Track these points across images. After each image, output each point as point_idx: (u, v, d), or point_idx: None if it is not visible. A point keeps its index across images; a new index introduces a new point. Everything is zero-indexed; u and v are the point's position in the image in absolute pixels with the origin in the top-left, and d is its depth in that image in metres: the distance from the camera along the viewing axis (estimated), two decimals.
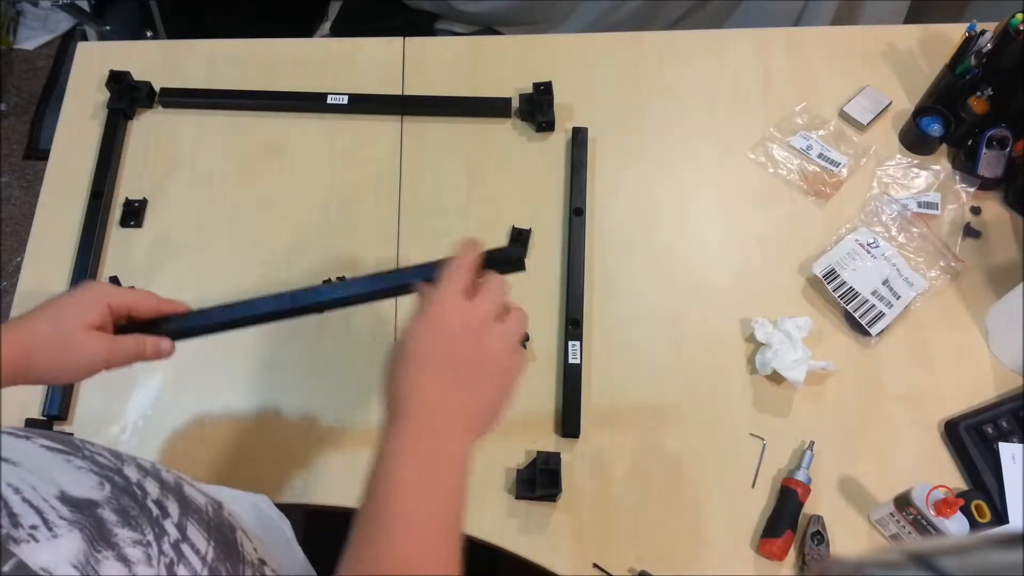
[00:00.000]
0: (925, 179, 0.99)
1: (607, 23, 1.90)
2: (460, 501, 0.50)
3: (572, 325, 0.90)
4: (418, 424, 0.50)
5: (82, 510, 0.41)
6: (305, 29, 2.11)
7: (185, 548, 0.46)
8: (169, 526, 0.47)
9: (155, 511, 0.47)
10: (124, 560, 0.40)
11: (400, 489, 0.48)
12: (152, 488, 0.49)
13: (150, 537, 0.44)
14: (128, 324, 0.64)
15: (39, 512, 0.38)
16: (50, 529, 0.38)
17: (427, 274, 0.57)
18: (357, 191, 0.99)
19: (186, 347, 0.89)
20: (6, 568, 0.34)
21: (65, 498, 0.40)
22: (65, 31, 2.25)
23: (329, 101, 1.03)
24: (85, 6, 1.95)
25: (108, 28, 1.96)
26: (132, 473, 0.49)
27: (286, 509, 0.84)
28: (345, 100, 1.03)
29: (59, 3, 1.83)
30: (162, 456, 0.85)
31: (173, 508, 0.49)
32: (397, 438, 0.50)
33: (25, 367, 0.58)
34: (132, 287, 0.84)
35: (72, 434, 0.83)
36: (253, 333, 0.90)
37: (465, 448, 0.51)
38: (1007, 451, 0.81)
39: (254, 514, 0.71)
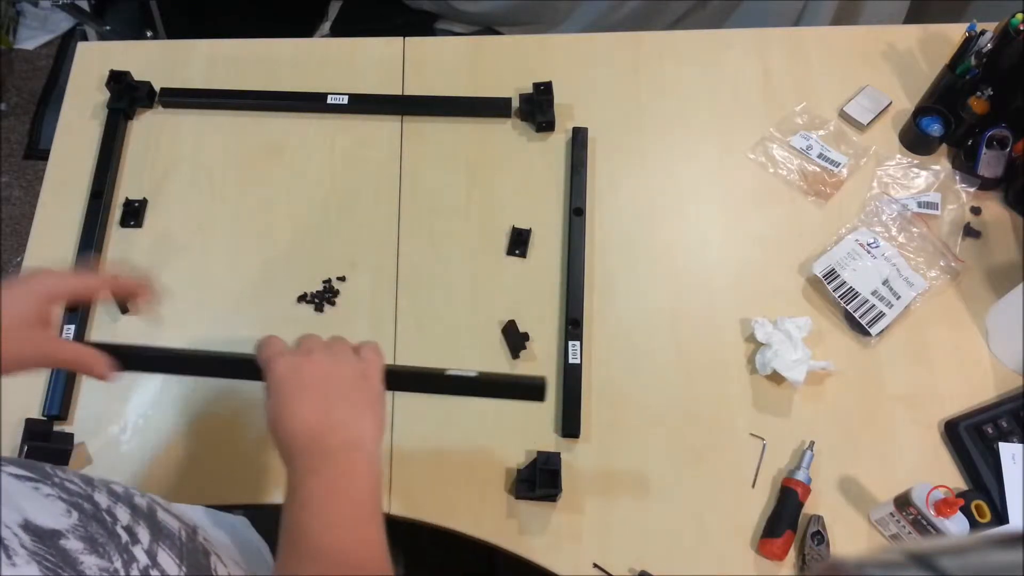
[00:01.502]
0: (925, 179, 0.99)
1: (607, 23, 1.90)
2: (371, 503, 0.56)
3: (572, 325, 0.90)
4: (310, 448, 0.56)
5: (44, 541, 0.40)
6: (305, 29, 2.11)
7: (155, 574, 0.47)
8: (139, 552, 0.47)
9: (124, 537, 0.47)
10: None
11: (310, 504, 0.54)
12: (122, 514, 0.49)
13: (118, 564, 0.44)
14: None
15: (1, 540, 0.38)
16: (9, 558, 0.37)
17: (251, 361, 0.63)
18: (357, 191, 0.99)
19: (186, 347, 0.90)
20: None
21: (29, 527, 0.40)
22: (65, 31, 2.25)
23: (329, 101, 1.03)
24: (85, 6, 1.94)
25: (108, 28, 1.96)
26: (102, 499, 0.49)
27: None
28: (345, 100, 1.03)
29: (59, 3, 1.83)
30: (162, 456, 0.85)
31: (144, 534, 0.49)
32: (299, 464, 0.56)
33: None
34: (87, 271, 0.78)
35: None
36: (252, 334, 0.90)
37: (359, 452, 0.57)
38: (1007, 451, 0.81)
39: (234, 537, 0.71)
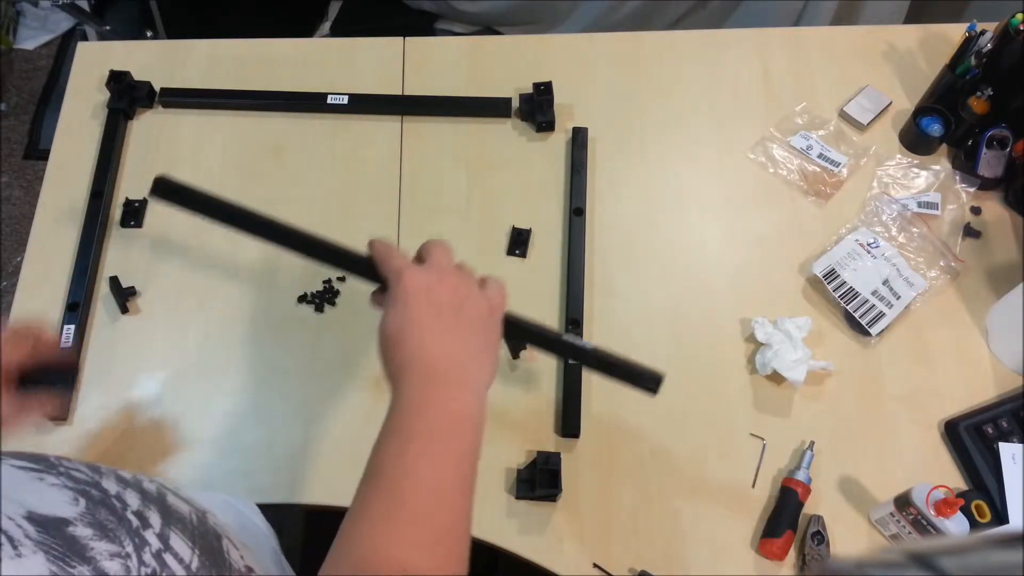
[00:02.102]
0: (925, 179, 0.99)
1: (607, 23, 1.90)
2: (471, 463, 0.53)
3: (572, 325, 0.90)
4: (428, 378, 0.53)
5: (49, 530, 0.40)
6: (305, 29, 2.11)
7: (168, 558, 0.46)
8: (150, 536, 0.46)
9: (135, 522, 0.46)
10: (102, 574, 0.40)
11: (408, 452, 0.50)
12: (132, 499, 0.48)
13: (129, 548, 0.43)
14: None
15: (3, 532, 0.37)
16: (15, 548, 0.37)
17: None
18: (357, 191, 0.99)
19: (186, 347, 0.90)
20: None
21: (33, 518, 0.40)
22: (65, 31, 2.25)
23: (329, 101, 1.03)
24: (85, 6, 1.94)
25: (108, 28, 1.96)
26: (111, 485, 0.48)
27: (286, 509, 0.84)
28: (345, 100, 1.03)
29: (59, 3, 1.83)
30: (162, 457, 0.85)
31: (155, 518, 0.48)
32: (408, 395, 0.53)
33: None
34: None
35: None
36: (252, 333, 0.90)
37: (474, 397, 0.54)
38: (1007, 451, 0.81)
39: (240, 522, 0.71)
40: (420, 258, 0.59)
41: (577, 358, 0.71)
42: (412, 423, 0.52)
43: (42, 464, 0.47)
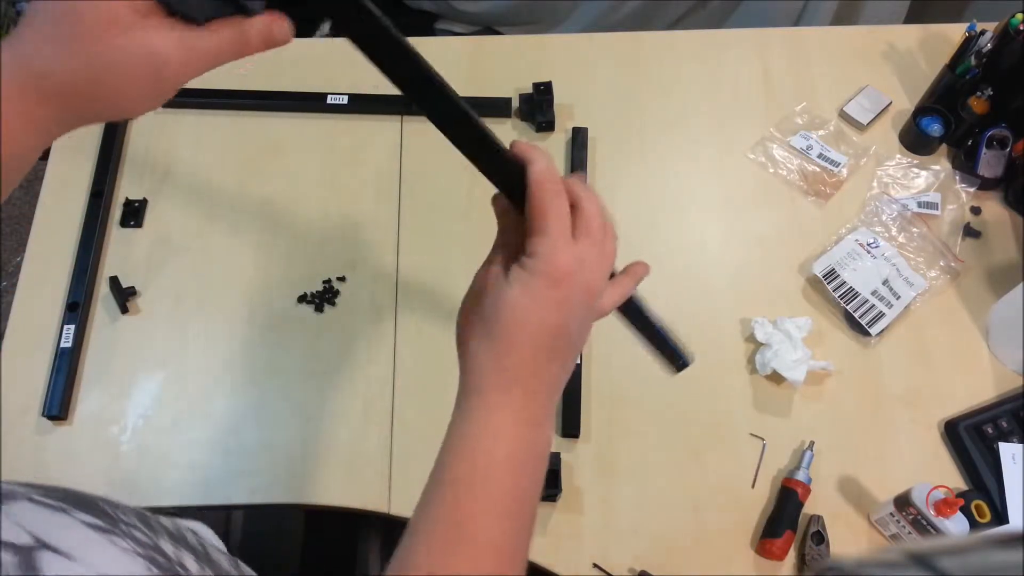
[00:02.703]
0: (925, 179, 0.99)
1: (607, 23, 1.90)
2: (541, 479, 0.47)
3: None
4: (520, 396, 0.45)
5: None
6: (305, 29, 2.11)
7: None
8: None
9: None
10: None
11: (496, 447, 0.44)
12: (190, 563, 0.47)
13: None
14: None
15: None
16: None
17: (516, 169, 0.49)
18: (357, 191, 0.99)
19: (187, 347, 0.90)
20: None
21: None
22: None
23: (329, 101, 1.03)
24: None
25: None
26: (167, 547, 0.47)
27: (286, 509, 0.84)
28: (345, 100, 1.03)
29: None
30: (161, 458, 0.85)
31: None
32: (500, 406, 0.45)
33: (38, 107, 0.39)
34: None
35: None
36: (252, 334, 0.90)
37: (550, 417, 0.48)
38: (1007, 451, 0.81)
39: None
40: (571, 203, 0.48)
41: (632, 317, 0.62)
42: (494, 423, 0.45)
43: (102, 518, 0.44)
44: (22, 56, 0.38)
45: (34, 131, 0.40)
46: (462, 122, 0.50)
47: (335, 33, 2.10)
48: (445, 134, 0.51)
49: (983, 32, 0.94)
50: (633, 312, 0.60)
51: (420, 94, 0.48)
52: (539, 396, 0.46)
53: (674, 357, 0.63)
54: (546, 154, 0.48)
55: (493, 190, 0.99)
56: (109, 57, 0.38)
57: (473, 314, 0.47)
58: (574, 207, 0.48)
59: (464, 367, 0.47)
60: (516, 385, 0.45)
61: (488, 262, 0.50)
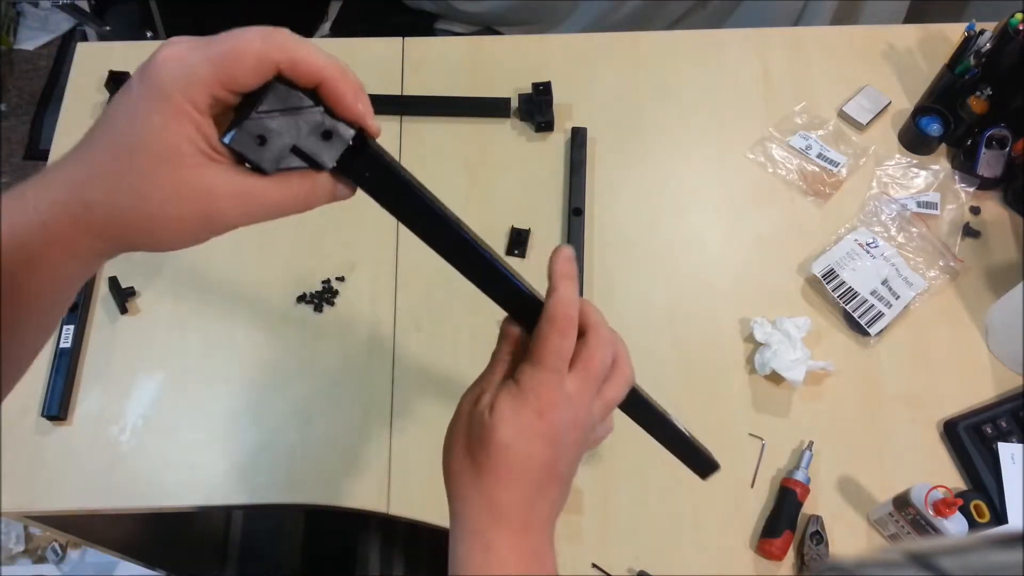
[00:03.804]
0: (924, 179, 0.99)
1: (607, 23, 1.90)
2: None
3: None
4: (516, 531, 0.44)
5: None
6: (305, 29, 2.11)
7: None
8: None
9: None
10: None
11: None
12: None
13: None
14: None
15: None
16: None
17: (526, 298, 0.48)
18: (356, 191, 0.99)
19: (186, 348, 0.90)
20: None
21: None
22: (65, 31, 2.25)
23: None
24: (85, 6, 1.95)
25: (108, 28, 1.96)
26: None
27: (286, 509, 0.84)
28: None
29: (59, 3, 1.84)
30: (161, 458, 0.85)
31: None
32: (496, 545, 0.43)
33: (89, 244, 0.37)
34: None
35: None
36: (251, 334, 0.90)
37: (551, 547, 0.46)
38: (1006, 451, 0.81)
39: None
40: (580, 328, 0.46)
41: (655, 429, 0.59)
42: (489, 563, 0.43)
43: None
44: (74, 185, 0.36)
45: (77, 261, 0.38)
46: (489, 271, 0.51)
47: (335, 33, 2.10)
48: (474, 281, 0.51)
49: (982, 32, 0.94)
50: (645, 418, 0.56)
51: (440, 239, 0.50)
52: (532, 529, 0.44)
53: (699, 462, 0.58)
54: (574, 282, 0.47)
55: (490, 191, 0.99)
56: (163, 195, 0.36)
57: (458, 446, 0.46)
58: (583, 336, 0.46)
59: (453, 503, 0.46)
60: (510, 521, 0.44)
61: (476, 390, 0.47)
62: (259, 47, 0.37)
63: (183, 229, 0.38)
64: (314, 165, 0.41)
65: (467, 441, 0.45)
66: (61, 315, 0.42)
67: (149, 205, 0.36)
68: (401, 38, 1.10)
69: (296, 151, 0.39)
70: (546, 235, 0.96)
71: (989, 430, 0.83)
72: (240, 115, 0.37)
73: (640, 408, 0.54)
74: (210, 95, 0.36)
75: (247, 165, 0.39)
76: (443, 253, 0.50)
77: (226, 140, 0.37)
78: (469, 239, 0.49)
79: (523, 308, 0.48)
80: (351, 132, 0.41)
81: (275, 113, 0.38)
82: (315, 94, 0.39)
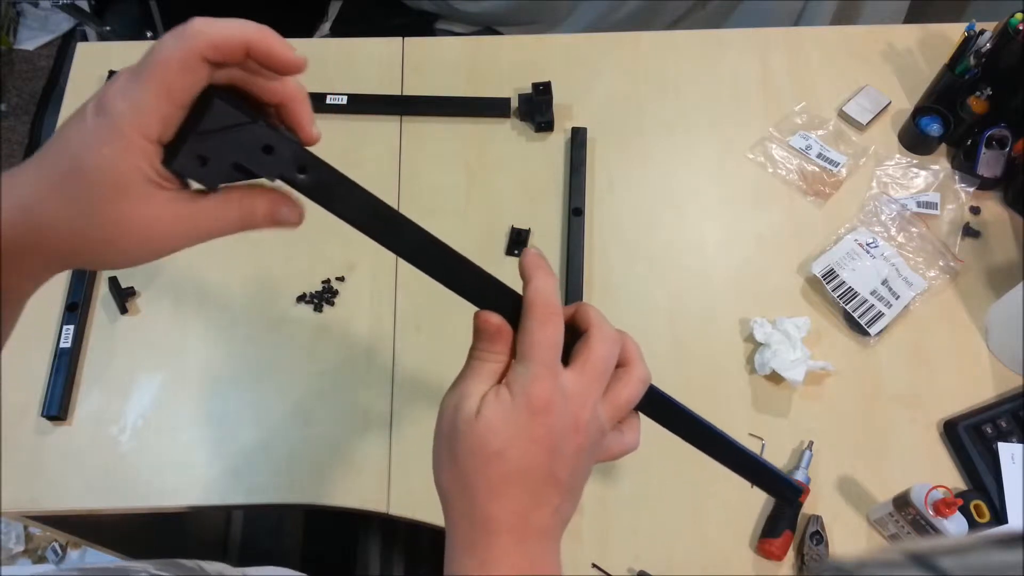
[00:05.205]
0: (924, 179, 0.99)
1: (607, 23, 1.90)
2: None
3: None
4: (513, 543, 0.41)
5: None
6: (305, 29, 2.11)
7: None
8: None
9: None
10: None
11: None
12: None
13: None
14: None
15: None
16: None
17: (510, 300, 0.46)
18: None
19: (186, 348, 0.90)
20: None
21: None
22: (65, 31, 2.25)
23: (328, 101, 1.03)
24: (85, 6, 1.95)
25: (108, 28, 1.96)
26: None
27: (285, 509, 0.84)
28: (344, 100, 1.03)
29: (59, 3, 1.84)
30: (160, 458, 0.85)
31: None
32: (493, 560, 0.41)
33: (41, 260, 0.39)
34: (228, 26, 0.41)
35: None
36: (251, 334, 0.90)
37: (554, 555, 0.43)
38: (1006, 451, 0.81)
39: None
40: (576, 326, 0.45)
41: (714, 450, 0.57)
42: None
43: None
44: (23, 205, 0.37)
45: (25, 278, 0.40)
46: (460, 267, 0.48)
47: (335, 33, 2.10)
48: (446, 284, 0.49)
49: (982, 32, 0.94)
50: (688, 428, 0.52)
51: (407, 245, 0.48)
52: (530, 539, 0.41)
53: (777, 486, 0.55)
54: (549, 273, 0.44)
55: (490, 191, 0.99)
56: (110, 224, 0.37)
57: (445, 458, 0.43)
58: (584, 334, 0.44)
59: (446, 518, 0.44)
60: (504, 535, 0.41)
61: (455, 394, 0.45)
62: (174, 46, 0.37)
63: (128, 252, 0.39)
64: (251, 176, 0.41)
65: (454, 452, 0.42)
66: (9, 332, 0.43)
67: (98, 233, 0.38)
68: (401, 38, 1.10)
69: (238, 167, 0.39)
70: (546, 235, 0.96)
71: (989, 430, 0.83)
72: (182, 135, 0.37)
73: (673, 414, 0.51)
74: (159, 118, 0.36)
75: (191, 185, 0.40)
76: (404, 255, 0.48)
77: (168, 165, 0.37)
78: (428, 237, 0.47)
79: (500, 306, 0.45)
80: (293, 144, 0.42)
81: (215, 132, 0.38)
82: (261, 105, 0.41)
